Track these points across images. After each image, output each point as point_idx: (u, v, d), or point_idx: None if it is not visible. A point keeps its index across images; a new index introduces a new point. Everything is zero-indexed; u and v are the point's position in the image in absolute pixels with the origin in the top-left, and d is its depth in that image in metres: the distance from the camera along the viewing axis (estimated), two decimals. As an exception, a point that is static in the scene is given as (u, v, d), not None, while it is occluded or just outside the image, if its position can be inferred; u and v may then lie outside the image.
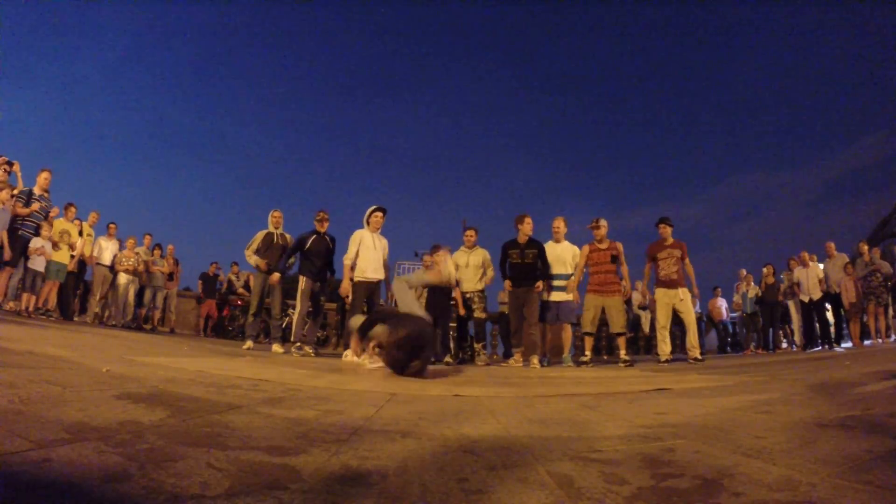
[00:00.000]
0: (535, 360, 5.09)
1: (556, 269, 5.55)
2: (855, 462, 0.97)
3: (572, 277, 5.53)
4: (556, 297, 5.53)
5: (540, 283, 5.30)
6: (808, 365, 4.26)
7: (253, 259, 5.76)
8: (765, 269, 8.72)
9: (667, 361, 5.24)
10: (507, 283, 5.43)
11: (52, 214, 6.61)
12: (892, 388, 2.05)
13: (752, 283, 9.05)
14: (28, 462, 0.84)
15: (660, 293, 5.54)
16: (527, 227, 5.44)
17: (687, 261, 5.52)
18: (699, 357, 5.30)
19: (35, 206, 6.41)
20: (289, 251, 5.70)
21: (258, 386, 2.12)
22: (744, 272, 9.31)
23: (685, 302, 5.44)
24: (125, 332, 6.48)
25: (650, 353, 9.37)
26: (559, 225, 5.69)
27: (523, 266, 5.35)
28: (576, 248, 5.64)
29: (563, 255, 5.58)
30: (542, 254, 5.39)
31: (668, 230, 5.62)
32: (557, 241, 5.67)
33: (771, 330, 8.65)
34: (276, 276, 5.63)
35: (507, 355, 6.59)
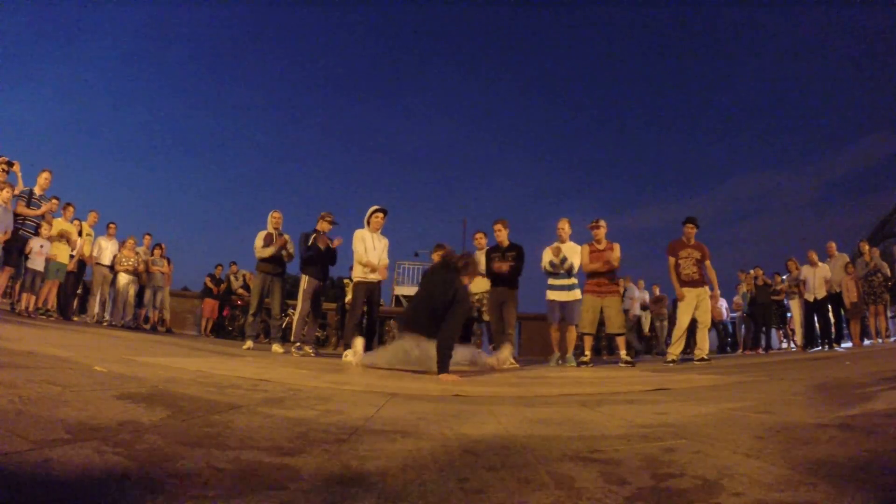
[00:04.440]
0: (510, 357, 5.16)
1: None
2: (855, 462, 0.97)
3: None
4: (560, 296, 5.55)
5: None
6: (808, 365, 4.26)
7: (268, 251, 5.68)
8: (753, 271, 8.83)
9: (673, 361, 5.24)
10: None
11: (50, 210, 6.65)
12: (892, 388, 2.05)
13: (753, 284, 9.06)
14: (28, 462, 0.84)
15: (684, 292, 5.51)
16: (500, 232, 5.50)
17: (708, 263, 5.49)
18: (706, 357, 5.29)
19: (44, 207, 6.46)
20: (305, 249, 5.43)
21: (258, 386, 2.12)
22: (753, 271, 9.32)
23: (704, 302, 5.44)
24: (125, 332, 6.48)
25: (650, 353, 9.37)
26: (564, 226, 5.71)
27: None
28: (578, 247, 5.64)
29: (568, 256, 5.60)
30: (520, 257, 5.42)
31: (693, 231, 5.60)
32: (562, 241, 5.68)
33: (763, 330, 8.67)
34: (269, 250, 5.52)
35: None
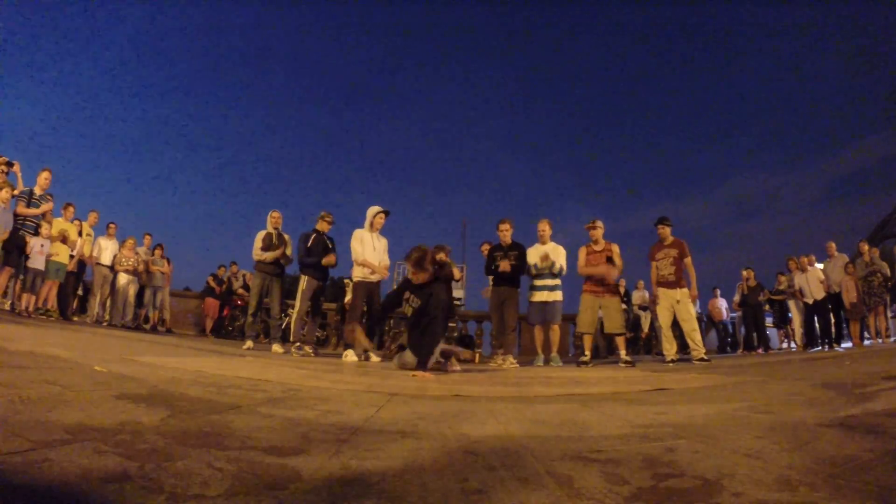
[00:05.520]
0: (510, 358, 5.21)
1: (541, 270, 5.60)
2: (855, 462, 0.97)
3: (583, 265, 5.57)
4: (542, 297, 5.56)
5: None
6: (808, 365, 4.27)
7: (267, 255, 5.73)
8: (744, 273, 8.84)
9: (672, 361, 5.23)
10: (491, 282, 5.58)
11: (49, 209, 6.65)
12: (892, 388, 2.05)
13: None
14: (28, 462, 0.84)
15: (659, 293, 5.55)
16: (506, 232, 5.59)
17: (688, 260, 5.48)
18: (705, 357, 5.26)
19: (43, 207, 6.45)
20: (302, 250, 5.47)
21: (258, 386, 2.12)
22: (744, 273, 9.35)
23: (682, 303, 5.41)
24: (125, 332, 6.48)
25: (650, 353, 9.37)
26: (544, 227, 5.75)
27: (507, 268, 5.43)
28: (561, 248, 5.65)
29: (555, 259, 5.63)
30: (523, 256, 5.50)
31: (667, 230, 5.60)
32: (543, 242, 5.70)
33: (756, 330, 8.69)
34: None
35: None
